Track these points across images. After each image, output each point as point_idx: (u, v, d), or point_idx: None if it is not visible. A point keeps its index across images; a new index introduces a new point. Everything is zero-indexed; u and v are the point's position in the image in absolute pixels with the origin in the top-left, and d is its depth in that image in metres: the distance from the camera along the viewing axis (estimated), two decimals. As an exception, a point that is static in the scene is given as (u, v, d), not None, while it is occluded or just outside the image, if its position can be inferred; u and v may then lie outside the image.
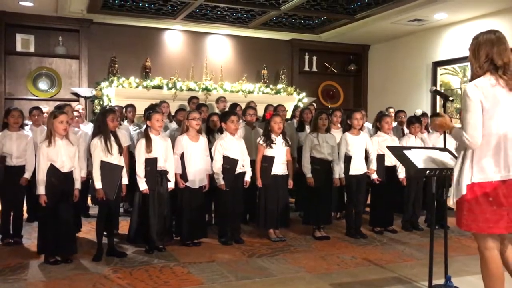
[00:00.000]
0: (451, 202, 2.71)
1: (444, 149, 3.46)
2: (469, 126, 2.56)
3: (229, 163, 4.80)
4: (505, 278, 2.62)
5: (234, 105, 6.54)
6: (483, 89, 2.55)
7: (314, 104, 8.28)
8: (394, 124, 6.60)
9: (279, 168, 4.98)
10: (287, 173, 5.06)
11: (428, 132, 6.13)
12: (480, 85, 2.56)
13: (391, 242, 5.03)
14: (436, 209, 3.67)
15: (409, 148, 3.34)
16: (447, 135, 3.62)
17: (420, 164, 3.12)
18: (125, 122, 6.29)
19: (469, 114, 2.57)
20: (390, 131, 5.49)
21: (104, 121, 4.32)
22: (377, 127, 5.49)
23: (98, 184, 4.22)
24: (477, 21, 7.71)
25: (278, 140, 4.99)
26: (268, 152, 4.95)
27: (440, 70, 8.46)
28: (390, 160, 5.35)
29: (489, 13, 7.41)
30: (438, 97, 8.05)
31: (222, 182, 4.77)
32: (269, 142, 4.93)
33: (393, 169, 5.43)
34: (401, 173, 5.43)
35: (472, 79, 2.65)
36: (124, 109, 6.43)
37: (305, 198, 5.29)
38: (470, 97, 2.56)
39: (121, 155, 4.36)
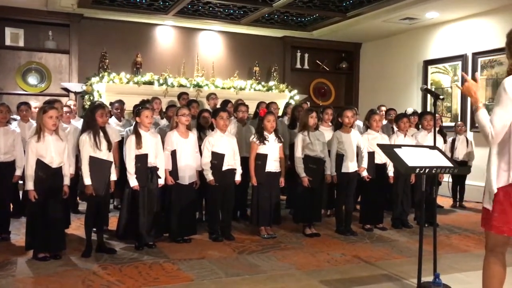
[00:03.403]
0: (488, 205, 2.51)
1: (433, 147, 3.48)
2: (499, 120, 2.39)
3: (217, 158, 4.80)
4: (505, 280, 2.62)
5: (226, 102, 6.53)
6: None
7: (308, 102, 8.27)
8: (384, 122, 6.62)
9: (272, 165, 4.98)
10: (280, 170, 5.06)
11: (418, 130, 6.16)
12: None
13: (380, 240, 5.05)
14: (425, 207, 3.69)
15: (399, 146, 3.35)
16: (437, 134, 3.63)
17: (410, 162, 3.14)
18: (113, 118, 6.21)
19: (502, 109, 2.40)
20: (380, 129, 5.51)
21: (92, 117, 4.29)
22: (367, 125, 5.51)
23: (87, 180, 4.19)
24: (468, 20, 7.77)
25: (271, 137, 4.98)
26: (261, 149, 4.95)
27: (431, 69, 8.51)
28: (380, 158, 5.37)
29: (480, 12, 7.46)
30: (428, 95, 8.11)
31: (211, 178, 4.77)
32: (262, 139, 4.93)
33: (383, 166, 5.45)
34: (391, 170, 5.45)
35: (508, 74, 2.49)
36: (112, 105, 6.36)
37: (297, 195, 5.27)
38: (507, 91, 2.38)
39: (110, 151, 4.33)
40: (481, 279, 2.61)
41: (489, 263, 2.56)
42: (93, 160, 4.21)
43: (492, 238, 2.55)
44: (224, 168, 4.85)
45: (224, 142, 4.87)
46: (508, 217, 2.43)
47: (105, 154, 4.28)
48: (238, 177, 4.97)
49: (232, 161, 4.91)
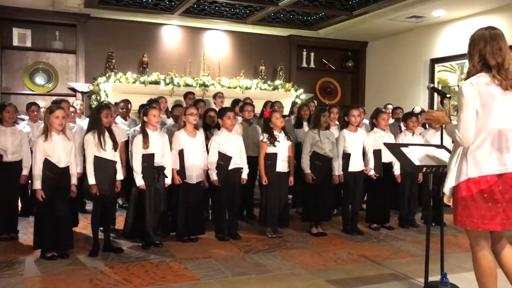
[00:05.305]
0: (447, 200, 2.72)
1: (441, 146, 3.46)
2: (462, 125, 2.56)
3: (223, 159, 4.80)
4: (497, 274, 2.63)
5: (236, 101, 6.52)
6: (479, 86, 2.54)
7: (315, 101, 8.25)
8: (391, 121, 6.60)
9: (281, 165, 4.95)
10: (288, 170, 5.04)
11: (425, 129, 6.13)
12: (476, 82, 2.56)
13: (387, 239, 5.04)
14: (432, 206, 3.67)
15: (406, 145, 3.34)
16: (444, 132, 3.62)
17: (417, 161, 3.13)
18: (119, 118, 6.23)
19: (463, 112, 2.57)
20: (387, 128, 5.49)
21: (98, 117, 4.31)
22: (373, 124, 5.49)
23: (91, 180, 4.21)
24: (475, 18, 7.71)
25: (281, 136, 4.97)
26: (271, 149, 4.92)
27: (437, 67, 8.46)
28: (387, 156, 5.35)
29: (487, 10, 7.41)
30: (435, 94, 8.07)
31: (216, 178, 4.77)
32: (273, 140, 4.91)
33: (390, 165, 5.43)
34: (397, 169, 5.43)
35: (467, 77, 2.64)
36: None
37: (307, 194, 5.26)
38: (464, 95, 2.56)
39: (115, 150, 4.35)
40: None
41: (477, 260, 2.64)
42: (97, 160, 4.23)
43: (471, 235, 2.66)
44: (230, 167, 4.84)
45: (230, 141, 4.87)
46: (470, 211, 2.56)
47: (110, 153, 4.30)
48: (244, 175, 4.96)
49: (238, 160, 4.91)
